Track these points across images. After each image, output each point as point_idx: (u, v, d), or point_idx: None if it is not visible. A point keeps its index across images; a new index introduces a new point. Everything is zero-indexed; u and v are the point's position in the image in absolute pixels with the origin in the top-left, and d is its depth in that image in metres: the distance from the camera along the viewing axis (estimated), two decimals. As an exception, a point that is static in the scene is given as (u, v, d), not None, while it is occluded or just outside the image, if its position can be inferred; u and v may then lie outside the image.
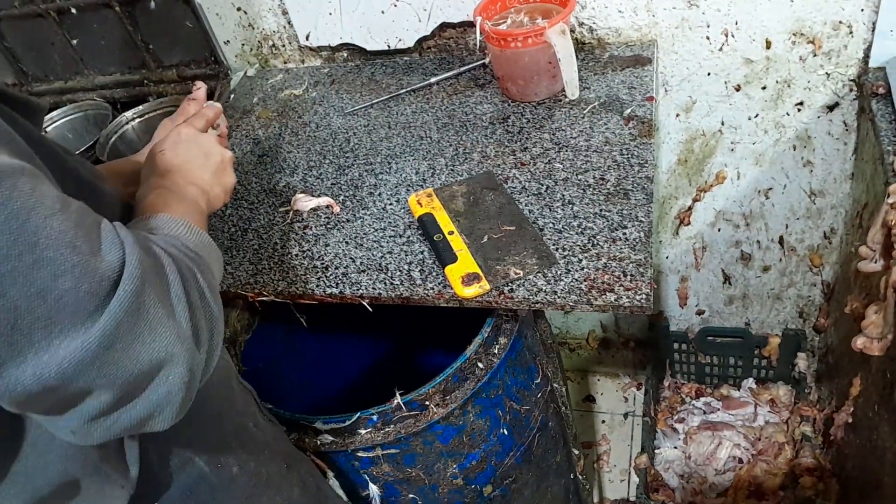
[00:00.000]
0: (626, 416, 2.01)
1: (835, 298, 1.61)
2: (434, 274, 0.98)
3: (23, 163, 0.50)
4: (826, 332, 1.71)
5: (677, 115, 1.40)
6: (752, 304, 1.77)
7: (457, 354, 1.00)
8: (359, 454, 1.00)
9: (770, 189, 1.49)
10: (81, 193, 0.57)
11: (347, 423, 0.97)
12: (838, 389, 1.52)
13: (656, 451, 1.80)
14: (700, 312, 1.84)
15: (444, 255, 0.97)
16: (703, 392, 1.91)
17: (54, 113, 1.66)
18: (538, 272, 0.94)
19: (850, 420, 1.38)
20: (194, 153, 0.84)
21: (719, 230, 1.61)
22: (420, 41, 1.42)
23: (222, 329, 0.64)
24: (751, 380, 1.87)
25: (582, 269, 0.93)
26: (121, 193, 0.75)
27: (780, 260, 1.63)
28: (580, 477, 1.41)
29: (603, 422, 2.02)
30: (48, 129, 1.65)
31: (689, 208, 1.57)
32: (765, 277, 1.68)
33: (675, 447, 1.81)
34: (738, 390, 1.88)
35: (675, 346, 1.87)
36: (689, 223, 1.60)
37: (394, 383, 0.98)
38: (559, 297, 0.90)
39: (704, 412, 1.86)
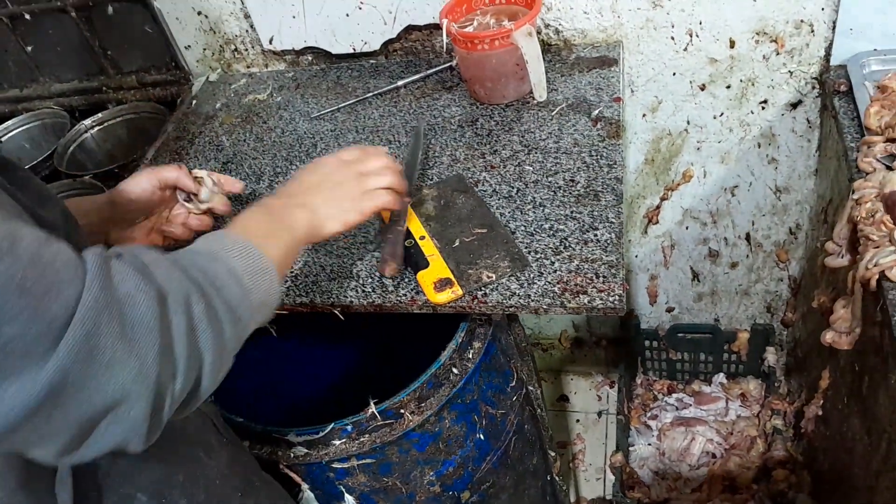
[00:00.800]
0: (599, 414, 2.02)
1: (802, 293, 1.64)
2: (406, 280, 0.97)
3: None
4: (794, 327, 1.73)
5: (644, 116, 1.41)
6: (720, 300, 1.79)
7: (431, 357, 0.98)
8: (334, 465, 0.99)
9: (736, 187, 1.50)
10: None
11: (321, 434, 0.95)
12: (808, 382, 1.54)
13: (631, 448, 1.81)
14: (670, 310, 1.85)
15: (415, 261, 0.96)
16: (675, 388, 1.92)
17: (9, 122, 1.61)
18: (511, 275, 0.93)
19: (820, 413, 1.40)
20: (336, 176, 0.86)
21: (687, 228, 1.62)
22: (386, 44, 1.40)
23: (224, 358, 0.61)
24: (721, 375, 1.89)
25: (554, 271, 0.92)
26: (70, 218, 0.70)
27: (747, 256, 1.65)
28: (557, 478, 1.41)
29: (577, 421, 2.02)
30: (3, 139, 1.60)
31: (657, 207, 1.58)
32: (732, 274, 1.70)
33: (650, 444, 1.82)
34: (710, 385, 1.90)
35: (647, 343, 1.88)
36: (657, 222, 1.61)
37: (368, 389, 0.97)
38: (533, 301, 0.90)
39: (677, 408, 1.87)
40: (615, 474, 1.69)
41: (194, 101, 1.48)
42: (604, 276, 0.90)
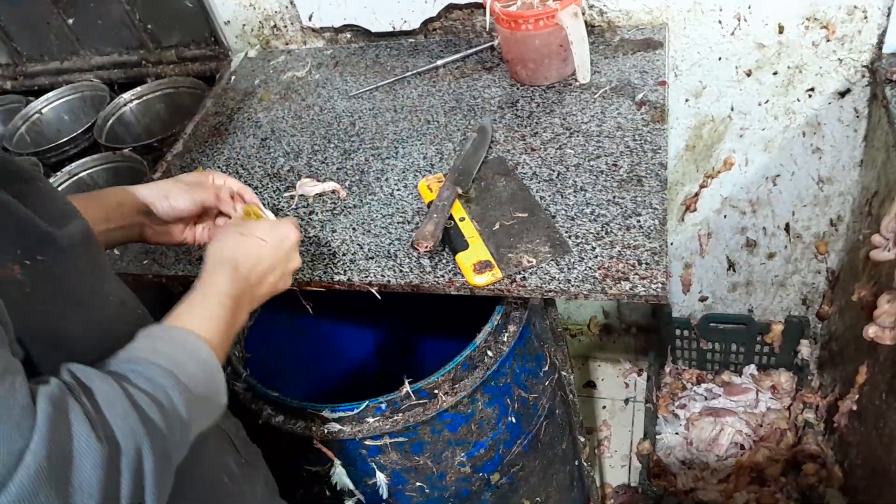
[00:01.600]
0: (626, 401, 2.01)
1: (839, 286, 1.61)
2: (444, 261, 0.96)
3: None
4: (829, 320, 1.71)
5: (686, 101, 1.38)
6: (755, 290, 1.76)
7: (464, 339, 0.98)
8: (366, 442, 0.99)
9: (778, 176, 1.47)
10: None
11: (356, 411, 0.95)
12: (842, 377, 1.52)
13: (658, 436, 1.80)
14: (703, 299, 1.83)
15: (455, 242, 0.95)
16: (705, 378, 1.91)
17: (50, 94, 1.63)
18: (551, 260, 0.92)
19: (854, 408, 1.38)
20: (278, 258, 0.81)
21: (725, 217, 1.59)
22: (426, 23, 1.39)
23: (168, 487, 0.56)
24: (752, 366, 1.86)
25: (595, 257, 0.91)
26: (90, 236, 0.66)
27: (786, 247, 1.62)
28: (585, 464, 1.41)
29: (604, 407, 2.01)
30: (44, 111, 1.62)
31: (696, 194, 1.56)
32: (769, 264, 1.68)
33: (677, 433, 1.81)
34: (740, 377, 1.87)
35: (678, 332, 1.86)
36: (695, 209, 1.59)
37: (401, 369, 0.97)
38: (573, 286, 0.89)
39: (706, 398, 1.86)
40: (642, 462, 1.68)
41: (233, 77, 1.48)
42: (646, 263, 0.89)
